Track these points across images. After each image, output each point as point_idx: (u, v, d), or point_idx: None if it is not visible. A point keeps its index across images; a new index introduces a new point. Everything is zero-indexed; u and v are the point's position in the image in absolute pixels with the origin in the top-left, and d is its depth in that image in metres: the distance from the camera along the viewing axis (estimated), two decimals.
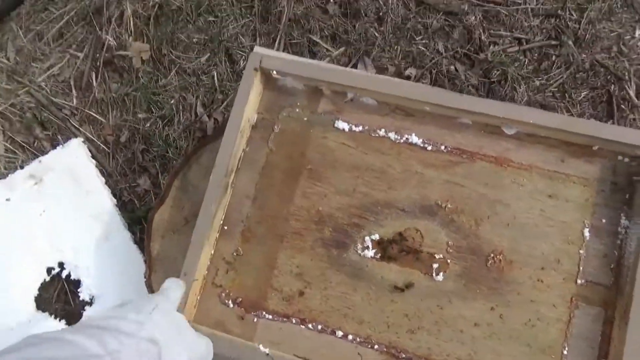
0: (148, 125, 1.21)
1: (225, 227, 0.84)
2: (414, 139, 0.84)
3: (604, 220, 0.76)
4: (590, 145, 0.78)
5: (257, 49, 0.90)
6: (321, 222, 0.83)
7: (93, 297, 1.09)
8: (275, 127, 0.89)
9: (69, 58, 1.28)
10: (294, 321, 0.79)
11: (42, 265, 1.11)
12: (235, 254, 0.83)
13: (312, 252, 0.82)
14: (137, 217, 1.15)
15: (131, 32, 1.27)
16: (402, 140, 0.85)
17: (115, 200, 1.15)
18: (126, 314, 0.51)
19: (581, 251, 0.75)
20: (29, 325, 1.07)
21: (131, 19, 1.27)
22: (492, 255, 0.78)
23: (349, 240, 0.82)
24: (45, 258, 1.11)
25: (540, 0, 1.22)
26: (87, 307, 1.09)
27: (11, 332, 1.05)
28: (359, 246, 0.81)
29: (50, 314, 1.09)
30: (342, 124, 0.86)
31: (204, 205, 0.80)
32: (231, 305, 0.80)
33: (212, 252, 0.83)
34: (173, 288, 0.66)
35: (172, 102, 1.21)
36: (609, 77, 1.18)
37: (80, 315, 1.09)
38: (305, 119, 0.88)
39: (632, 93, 1.18)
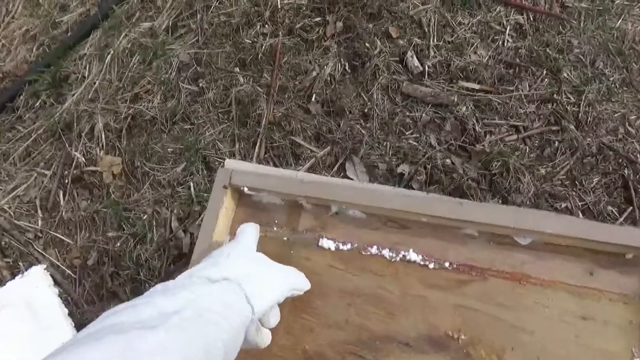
0: (118, 244, 1.10)
1: None
2: (412, 255, 0.72)
3: None
4: (622, 253, 0.65)
5: (227, 162, 0.81)
6: None
7: None
8: None
9: (35, 177, 1.20)
10: None
11: None
12: None
13: None
14: None
15: (102, 145, 1.20)
16: (398, 258, 0.72)
17: None
18: (203, 268, 0.52)
19: None
20: None
21: (102, 132, 1.21)
22: None
23: None
24: None
25: (533, 86, 1.16)
26: None
27: None
28: None
29: None
30: (327, 242, 0.74)
31: None
32: None
33: None
34: (247, 233, 0.65)
35: (144, 217, 1.11)
36: (619, 160, 1.09)
37: None
38: (285, 238, 0.77)
39: None
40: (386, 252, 0.73)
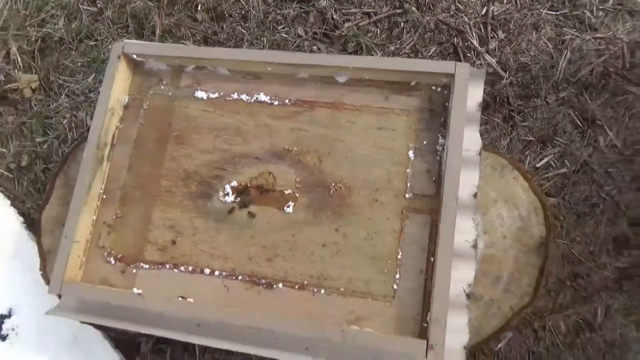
0: (45, 146, 1.35)
1: (105, 196, 0.99)
2: (262, 97, 1.01)
3: (425, 142, 0.93)
4: (408, 81, 0.96)
5: (125, 42, 1.06)
6: (188, 179, 0.98)
7: (10, 309, 1.18)
8: (144, 104, 1.05)
9: None
10: (168, 267, 0.92)
11: None
12: (115, 217, 0.96)
13: (182, 206, 0.96)
14: None
15: (20, 67, 1.42)
16: (252, 100, 1.02)
17: (22, 219, 1.27)
18: None
19: (408, 170, 0.92)
20: None
21: (17, 55, 1.43)
22: (334, 184, 0.93)
23: (211, 190, 0.97)
24: None
25: None
26: (5, 320, 1.17)
27: None
28: (221, 194, 0.96)
29: None
30: (200, 93, 1.03)
31: (79, 177, 0.95)
32: (113, 262, 0.93)
33: (94, 218, 0.96)
34: None
35: (64, 121, 1.36)
36: (451, 32, 1.40)
37: None
38: (170, 93, 1.05)
39: (475, 42, 1.39)
40: (244, 97, 1.03)
